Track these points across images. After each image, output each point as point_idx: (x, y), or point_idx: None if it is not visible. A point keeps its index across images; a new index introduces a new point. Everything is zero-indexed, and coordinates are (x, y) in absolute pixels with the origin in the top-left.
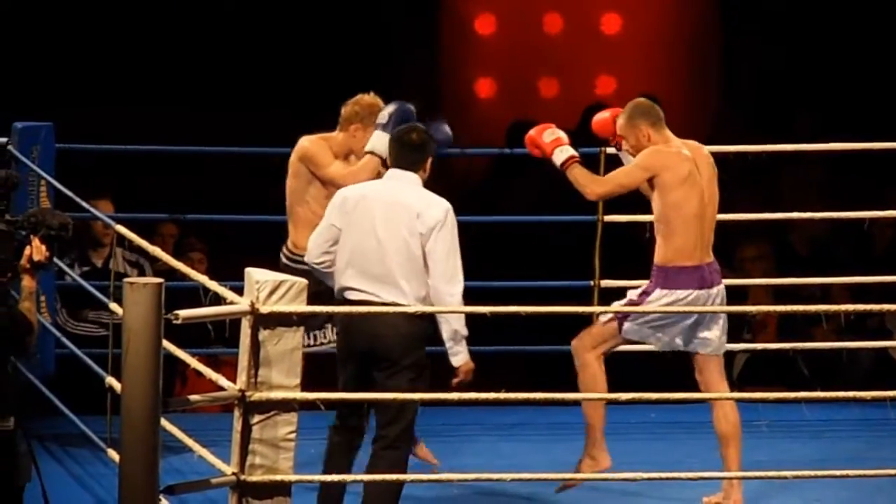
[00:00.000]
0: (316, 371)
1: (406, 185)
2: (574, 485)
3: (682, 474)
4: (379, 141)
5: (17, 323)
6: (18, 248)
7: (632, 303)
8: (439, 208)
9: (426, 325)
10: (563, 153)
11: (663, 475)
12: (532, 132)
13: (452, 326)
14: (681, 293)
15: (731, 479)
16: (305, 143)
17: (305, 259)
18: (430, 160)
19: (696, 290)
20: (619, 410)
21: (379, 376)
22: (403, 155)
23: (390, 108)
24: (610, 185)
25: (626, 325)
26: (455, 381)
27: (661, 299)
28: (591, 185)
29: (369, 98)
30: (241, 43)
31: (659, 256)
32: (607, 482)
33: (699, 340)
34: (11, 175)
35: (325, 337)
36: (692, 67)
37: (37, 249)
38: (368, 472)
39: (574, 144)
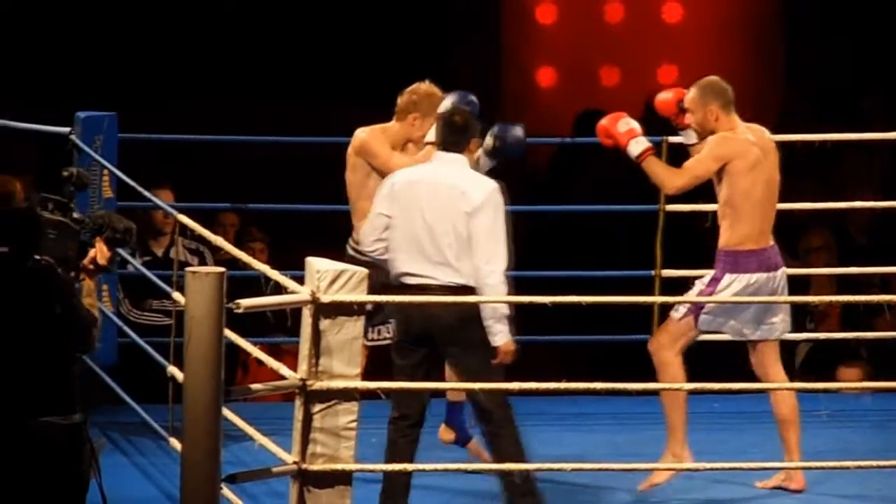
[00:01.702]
0: (377, 360)
1: (452, 167)
2: (657, 483)
3: (745, 465)
4: None
5: (82, 318)
6: (82, 248)
7: (702, 293)
8: (484, 187)
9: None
10: (638, 145)
11: (727, 465)
12: (604, 122)
13: (492, 304)
14: (750, 277)
15: (794, 468)
16: (362, 135)
17: (360, 248)
18: (474, 140)
19: (763, 273)
20: None
21: (449, 359)
22: (448, 137)
23: (452, 97)
24: (686, 176)
25: (703, 316)
26: (495, 362)
27: (731, 284)
28: (670, 178)
29: (426, 86)
30: (303, 33)
31: (724, 240)
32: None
33: (767, 326)
34: (82, 174)
35: (388, 332)
36: (755, 55)
37: (100, 252)
38: (494, 458)
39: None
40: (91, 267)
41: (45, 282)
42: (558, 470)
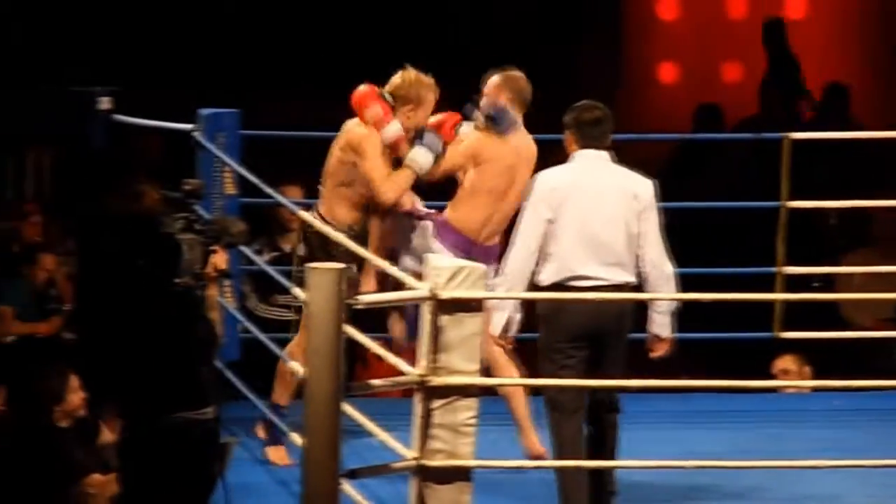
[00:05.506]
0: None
1: (610, 166)
2: None
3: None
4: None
5: (213, 336)
6: (204, 257)
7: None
8: (650, 187)
9: None
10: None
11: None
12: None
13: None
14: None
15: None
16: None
17: (513, 260)
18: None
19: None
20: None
21: (609, 352)
22: (594, 133)
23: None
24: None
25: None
26: (657, 353)
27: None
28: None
29: (412, 74)
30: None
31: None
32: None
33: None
34: (201, 185)
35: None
36: (879, 51)
37: (221, 259)
38: (611, 438)
39: (757, 129)
40: (214, 274)
41: (190, 305)
42: (678, 467)
